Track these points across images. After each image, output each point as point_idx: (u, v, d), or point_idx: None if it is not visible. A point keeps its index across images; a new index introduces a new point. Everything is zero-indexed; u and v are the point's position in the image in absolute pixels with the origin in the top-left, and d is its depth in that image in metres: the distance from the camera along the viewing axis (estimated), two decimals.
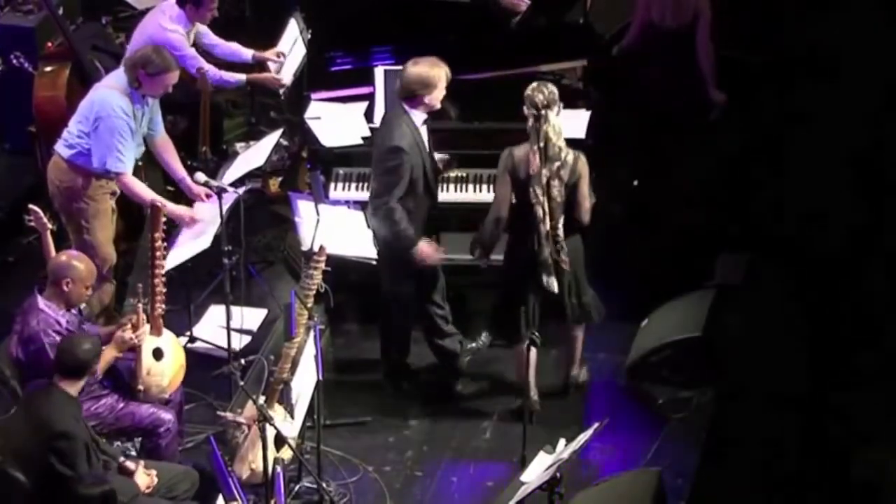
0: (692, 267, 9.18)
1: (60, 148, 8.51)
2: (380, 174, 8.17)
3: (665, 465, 7.90)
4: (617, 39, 10.20)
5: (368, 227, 8.23)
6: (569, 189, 8.04)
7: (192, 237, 8.51)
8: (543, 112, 7.92)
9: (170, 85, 8.51)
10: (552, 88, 8.00)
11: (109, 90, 8.44)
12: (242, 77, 9.77)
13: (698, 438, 8.22)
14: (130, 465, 7.27)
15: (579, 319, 8.43)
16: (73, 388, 7.06)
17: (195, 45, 9.79)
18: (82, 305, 7.64)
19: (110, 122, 8.32)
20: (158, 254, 7.81)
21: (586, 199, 8.13)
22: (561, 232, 8.05)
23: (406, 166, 8.06)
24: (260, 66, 10.12)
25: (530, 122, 7.97)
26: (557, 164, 7.96)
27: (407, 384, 8.73)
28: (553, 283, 8.11)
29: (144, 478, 7.20)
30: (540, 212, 7.99)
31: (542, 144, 7.94)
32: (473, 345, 8.86)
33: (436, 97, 8.11)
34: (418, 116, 8.15)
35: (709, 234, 9.44)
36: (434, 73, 8.05)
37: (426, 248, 8.22)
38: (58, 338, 7.37)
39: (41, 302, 7.43)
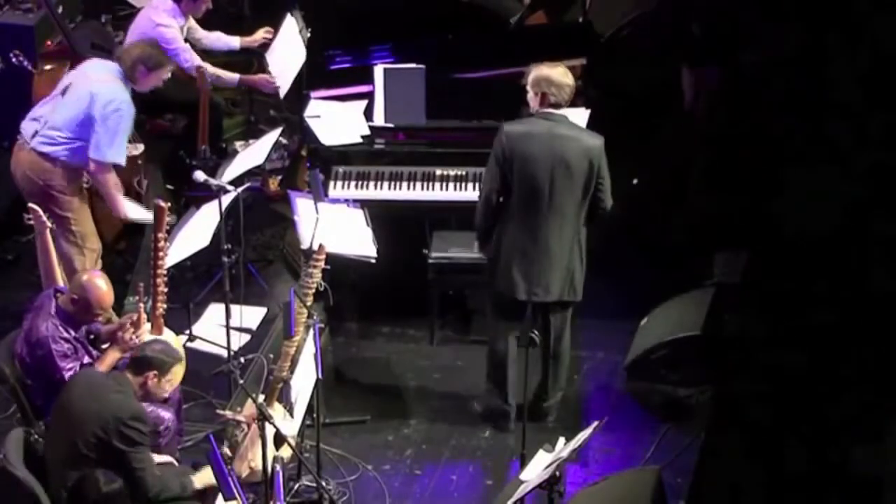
0: (692, 266, 9.20)
1: (42, 147, 8.42)
2: (605, 176, 7.99)
3: (665, 464, 7.92)
4: (616, 38, 10.22)
5: (368, 224, 8.23)
6: None
7: (187, 234, 8.52)
8: None
9: (161, 81, 8.52)
10: None
11: (113, 85, 8.40)
12: (236, 77, 9.77)
13: (698, 437, 8.22)
14: None
15: None
16: (136, 387, 7.10)
17: (186, 40, 9.79)
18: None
19: (121, 116, 8.31)
20: (161, 253, 7.82)
21: None
22: None
23: None
24: (259, 65, 10.11)
25: None
26: None
27: None
28: None
29: None
30: None
31: None
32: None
33: None
34: None
35: (709, 233, 9.46)
36: None
37: None
38: (66, 345, 7.37)
39: (53, 308, 7.42)
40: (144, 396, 7.19)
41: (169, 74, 8.61)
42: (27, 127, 8.54)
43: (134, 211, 8.66)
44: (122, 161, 8.41)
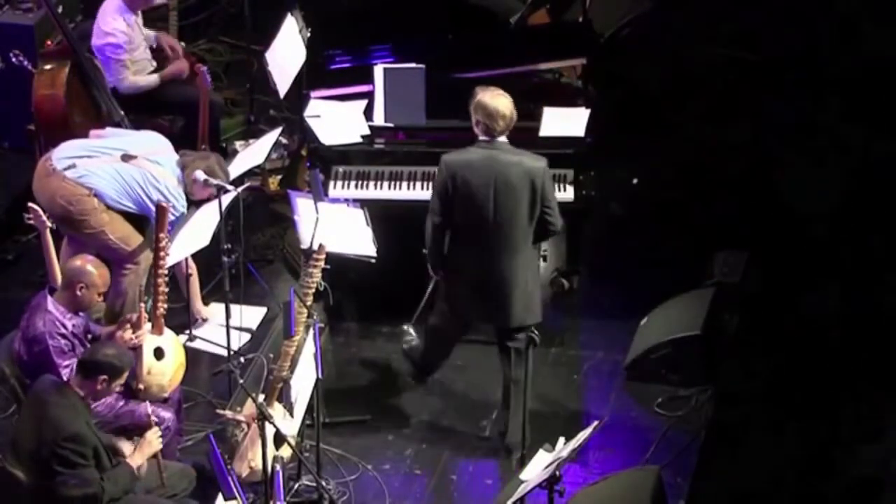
0: (692, 266, 9.21)
1: (81, 179, 8.36)
2: (551, 197, 7.94)
3: (665, 464, 7.91)
4: (616, 37, 10.23)
5: (368, 224, 8.23)
6: None
7: (187, 234, 8.51)
8: None
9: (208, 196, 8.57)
10: None
11: (181, 189, 8.44)
12: (156, 77, 9.69)
13: (698, 437, 8.22)
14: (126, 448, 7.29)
15: None
16: (85, 391, 7.06)
17: None
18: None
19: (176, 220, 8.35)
20: (162, 254, 7.82)
21: None
22: None
23: None
24: (259, 65, 10.07)
25: None
26: None
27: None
28: None
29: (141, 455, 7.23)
30: None
31: None
32: None
33: None
34: None
35: (709, 232, 9.47)
36: None
37: None
38: (63, 341, 7.37)
39: (50, 303, 7.43)
40: (93, 399, 7.17)
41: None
42: (61, 161, 8.44)
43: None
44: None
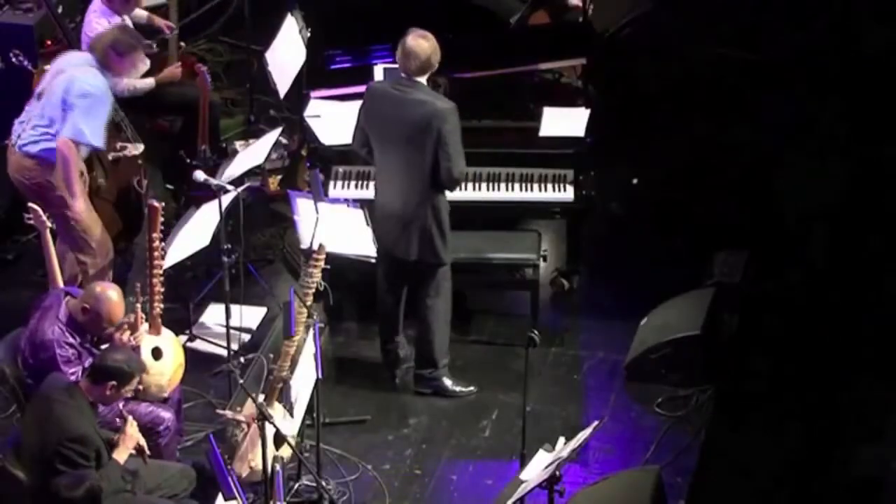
0: (692, 266, 9.20)
1: (25, 147, 8.40)
2: (450, 141, 8.11)
3: (665, 464, 7.91)
4: (616, 37, 10.23)
5: (368, 224, 8.23)
6: None
7: (187, 234, 8.51)
8: None
9: (138, 65, 8.50)
10: None
11: (86, 70, 8.36)
12: (152, 81, 9.64)
13: (698, 437, 8.22)
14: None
15: None
16: (94, 396, 7.05)
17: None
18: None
19: (96, 100, 8.28)
20: (157, 253, 7.83)
21: None
22: None
23: None
24: (258, 65, 10.07)
25: None
26: None
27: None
28: None
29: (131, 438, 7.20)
30: None
31: None
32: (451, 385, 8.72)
33: None
34: None
35: (709, 232, 9.46)
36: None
37: None
38: (70, 351, 7.34)
39: (62, 312, 7.39)
40: (103, 404, 7.15)
41: (147, 61, 8.59)
42: (14, 131, 8.54)
43: (83, 203, 8.55)
44: (101, 145, 8.35)
